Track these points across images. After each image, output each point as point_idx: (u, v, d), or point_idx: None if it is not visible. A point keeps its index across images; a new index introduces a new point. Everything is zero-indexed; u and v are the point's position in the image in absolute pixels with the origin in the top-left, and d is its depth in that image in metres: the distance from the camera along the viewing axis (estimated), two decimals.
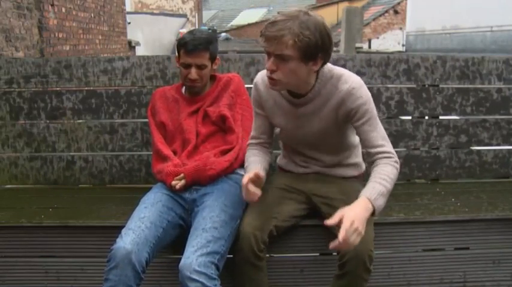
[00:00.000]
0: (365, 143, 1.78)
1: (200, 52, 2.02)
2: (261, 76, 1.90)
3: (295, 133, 1.92)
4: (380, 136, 1.76)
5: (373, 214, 1.62)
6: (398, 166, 1.75)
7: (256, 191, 1.74)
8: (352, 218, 1.50)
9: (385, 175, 1.68)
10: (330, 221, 1.53)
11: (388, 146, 1.76)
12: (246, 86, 2.22)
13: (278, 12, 1.69)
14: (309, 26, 1.60)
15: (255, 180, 1.74)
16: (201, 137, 2.09)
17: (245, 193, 1.75)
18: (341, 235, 1.46)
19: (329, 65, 1.79)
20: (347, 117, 1.79)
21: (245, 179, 1.73)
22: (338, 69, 1.81)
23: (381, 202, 1.64)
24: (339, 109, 1.79)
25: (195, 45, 2.01)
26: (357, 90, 1.75)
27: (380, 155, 1.74)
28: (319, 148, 1.95)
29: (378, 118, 1.80)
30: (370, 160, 1.78)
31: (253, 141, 2.01)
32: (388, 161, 1.73)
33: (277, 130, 2.04)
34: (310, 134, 1.88)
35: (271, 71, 1.67)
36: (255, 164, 1.89)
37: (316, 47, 1.62)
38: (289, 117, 1.89)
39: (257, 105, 1.95)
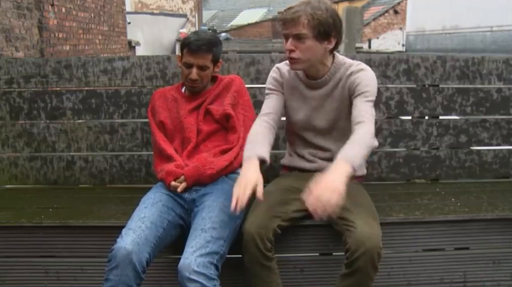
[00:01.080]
0: (353, 113, 1.84)
1: (203, 53, 2.02)
2: (283, 62, 2.04)
3: (308, 116, 2.00)
4: (370, 113, 1.82)
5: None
6: (372, 137, 1.78)
7: (259, 194, 1.71)
8: (332, 188, 1.57)
9: (357, 138, 1.74)
10: (303, 196, 1.61)
11: (370, 123, 1.80)
12: (247, 86, 2.23)
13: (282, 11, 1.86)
14: (321, 8, 1.80)
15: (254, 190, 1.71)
16: (202, 135, 2.08)
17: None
18: (312, 192, 1.57)
19: (344, 57, 1.99)
20: (350, 92, 1.92)
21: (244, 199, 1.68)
22: (351, 60, 1.99)
23: (357, 161, 1.67)
24: (345, 86, 1.93)
25: (198, 46, 2.01)
26: (364, 70, 1.91)
27: (358, 122, 1.80)
28: (329, 133, 2.02)
29: (373, 102, 1.87)
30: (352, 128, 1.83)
31: (266, 118, 1.97)
32: (364, 131, 1.77)
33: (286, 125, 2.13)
34: (323, 117, 1.99)
35: (290, 51, 1.84)
36: (260, 146, 1.83)
37: (329, 25, 1.81)
38: (305, 100, 2.00)
39: (277, 84, 2.04)
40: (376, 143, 1.85)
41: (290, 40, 1.83)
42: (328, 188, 1.57)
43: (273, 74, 2.06)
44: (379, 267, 1.72)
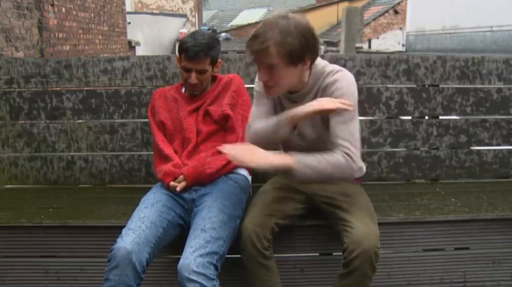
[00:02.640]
0: (330, 136, 1.73)
1: (201, 58, 2.01)
2: None
3: (289, 139, 1.86)
4: (348, 132, 1.70)
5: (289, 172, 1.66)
6: (353, 163, 1.67)
7: None
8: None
9: (324, 157, 1.67)
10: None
11: (350, 144, 1.68)
12: (246, 86, 2.22)
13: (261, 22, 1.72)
14: (289, 31, 1.63)
15: None
16: (202, 135, 2.09)
17: None
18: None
19: (324, 62, 1.83)
20: None
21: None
22: (331, 66, 1.82)
23: (301, 168, 1.65)
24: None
25: (196, 52, 1.99)
26: (338, 82, 1.74)
27: (338, 148, 1.69)
28: (316, 148, 1.83)
29: (355, 117, 1.75)
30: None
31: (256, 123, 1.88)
32: (342, 153, 1.67)
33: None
34: (307, 130, 1.85)
35: (265, 81, 1.72)
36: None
37: (301, 49, 1.65)
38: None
39: (263, 94, 1.87)
40: (354, 164, 1.67)
41: (262, 70, 1.70)
42: (255, 153, 1.66)
43: (256, 87, 1.91)
44: (378, 267, 1.72)
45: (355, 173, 1.72)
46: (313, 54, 1.72)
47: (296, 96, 1.84)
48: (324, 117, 1.79)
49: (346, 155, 1.67)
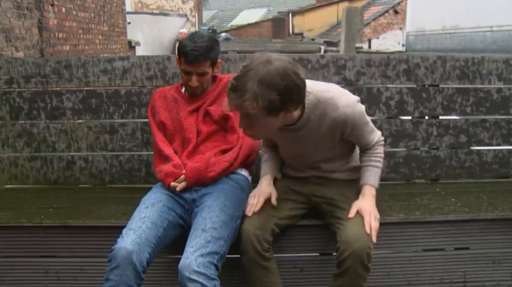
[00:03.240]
0: (358, 144, 1.94)
1: (201, 62, 2.01)
2: None
3: (294, 153, 1.97)
4: (368, 131, 1.87)
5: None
6: (383, 143, 1.94)
7: (273, 202, 1.93)
8: (369, 211, 1.79)
9: (376, 156, 1.90)
10: (350, 215, 1.79)
11: (377, 136, 1.91)
12: None
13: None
14: (269, 82, 1.53)
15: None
16: (202, 135, 2.09)
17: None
18: (367, 228, 1.73)
19: (314, 89, 1.74)
20: (341, 136, 1.84)
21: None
22: (324, 93, 1.75)
23: (378, 181, 1.91)
24: (332, 132, 1.80)
25: (195, 56, 1.99)
26: (349, 118, 1.74)
27: (370, 146, 1.90)
28: (318, 162, 1.97)
29: (366, 117, 1.86)
30: (364, 151, 1.94)
31: (264, 144, 2.10)
32: (378, 145, 1.91)
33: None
34: (309, 152, 1.92)
35: (244, 129, 1.69)
36: (271, 163, 2.05)
37: (282, 101, 1.56)
38: (288, 139, 1.88)
39: None
40: (381, 141, 1.93)
41: (241, 118, 1.63)
42: (375, 219, 1.79)
43: None
44: (378, 267, 1.73)
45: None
46: (298, 103, 1.64)
47: (293, 128, 1.79)
48: (334, 137, 1.84)
49: (381, 144, 1.92)
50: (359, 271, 1.69)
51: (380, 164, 1.91)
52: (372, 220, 1.76)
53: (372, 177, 1.89)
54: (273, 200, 1.91)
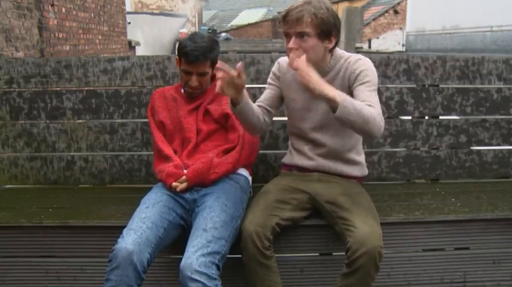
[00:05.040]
0: (360, 100, 1.81)
1: (201, 62, 2.02)
2: (285, 57, 2.02)
3: (307, 105, 1.99)
4: (374, 100, 1.82)
5: (334, 111, 1.70)
6: (382, 122, 1.76)
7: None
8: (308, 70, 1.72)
9: (364, 105, 1.75)
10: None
11: (377, 108, 1.79)
12: (246, 86, 2.22)
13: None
14: (322, 7, 1.83)
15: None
16: (202, 135, 2.09)
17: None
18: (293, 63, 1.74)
19: (343, 51, 2.00)
20: (350, 83, 1.90)
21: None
22: (350, 53, 2.00)
23: (348, 105, 1.69)
24: (345, 77, 1.92)
25: (196, 56, 2.00)
26: (362, 61, 1.93)
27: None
28: (326, 126, 1.99)
29: (376, 91, 1.88)
30: None
31: (256, 103, 2.05)
32: (373, 110, 1.77)
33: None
34: (320, 108, 1.95)
35: (292, 50, 1.83)
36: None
37: (330, 24, 1.84)
38: (303, 90, 1.89)
39: (274, 77, 2.09)
40: (383, 123, 1.77)
41: (293, 39, 1.84)
42: (313, 76, 1.71)
43: (273, 68, 2.11)
44: (380, 266, 1.72)
45: (380, 134, 1.80)
46: (338, 35, 1.90)
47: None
48: (344, 89, 1.87)
49: (378, 115, 1.76)
50: (370, 270, 1.70)
51: (365, 111, 1.71)
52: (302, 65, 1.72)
53: (348, 97, 1.72)
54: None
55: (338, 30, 1.89)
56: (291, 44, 1.84)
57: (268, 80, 2.11)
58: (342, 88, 1.89)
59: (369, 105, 1.76)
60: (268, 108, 2.06)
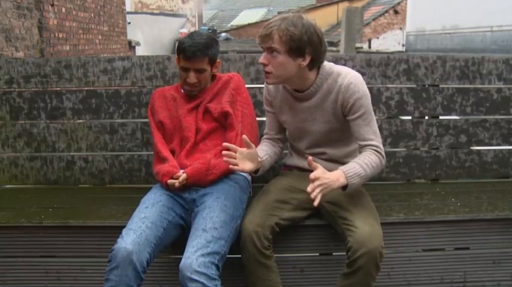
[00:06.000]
0: (356, 136, 1.89)
1: (198, 58, 2.01)
2: None
3: (300, 128, 1.99)
4: (372, 131, 1.86)
5: (344, 188, 1.78)
6: (383, 160, 1.86)
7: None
8: (322, 180, 1.71)
9: (368, 160, 1.81)
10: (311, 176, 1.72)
11: (377, 141, 1.87)
12: (246, 85, 2.22)
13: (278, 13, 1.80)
14: (296, 24, 1.77)
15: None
16: (202, 133, 2.09)
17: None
18: (309, 187, 1.69)
19: (331, 64, 1.93)
20: (343, 110, 1.88)
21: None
22: (339, 67, 1.92)
23: (355, 181, 1.77)
24: (337, 102, 1.88)
25: (193, 52, 2.00)
26: (354, 85, 1.85)
27: (368, 147, 1.85)
28: (323, 145, 2.00)
29: (372, 114, 1.89)
30: (359, 150, 1.90)
31: (265, 136, 2.15)
32: (375, 152, 1.84)
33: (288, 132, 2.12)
34: (314, 128, 1.96)
35: (264, 65, 1.84)
36: (260, 152, 1.99)
37: (301, 41, 1.76)
38: (294, 112, 1.98)
39: (267, 103, 2.09)
40: (384, 160, 1.86)
41: (264, 54, 1.83)
42: (320, 186, 1.71)
43: (264, 91, 2.10)
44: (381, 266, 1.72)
45: (383, 166, 1.88)
46: (315, 52, 1.81)
47: (303, 95, 1.93)
48: (337, 113, 1.89)
49: (377, 153, 1.84)
50: (371, 270, 1.71)
51: (367, 169, 1.79)
52: (317, 186, 1.70)
53: (352, 170, 1.77)
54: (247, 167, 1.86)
55: (315, 48, 1.79)
56: (261, 59, 1.83)
57: (264, 106, 2.13)
58: (333, 112, 1.91)
59: (369, 145, 1.83)
60: (277, 136, 2.13)
